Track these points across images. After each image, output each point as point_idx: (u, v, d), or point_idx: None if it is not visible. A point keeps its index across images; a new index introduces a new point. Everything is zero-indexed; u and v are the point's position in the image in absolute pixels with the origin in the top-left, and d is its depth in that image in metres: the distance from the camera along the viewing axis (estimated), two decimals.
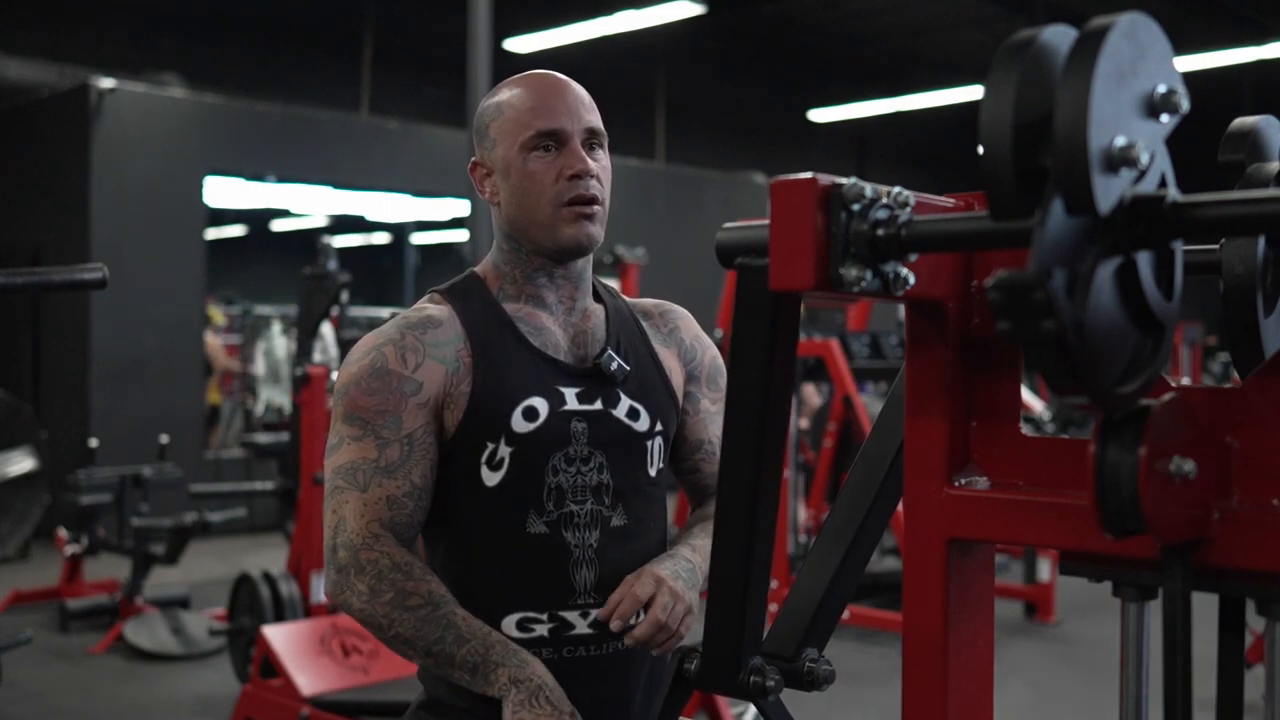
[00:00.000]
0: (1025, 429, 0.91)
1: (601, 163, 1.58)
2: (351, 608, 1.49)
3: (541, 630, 1.53)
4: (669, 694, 1.20)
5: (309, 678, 3.88)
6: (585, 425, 1.56)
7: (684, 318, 1.76)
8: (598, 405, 1.58)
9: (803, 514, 6.80)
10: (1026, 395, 7.39)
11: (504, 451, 1.53)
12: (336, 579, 1.49)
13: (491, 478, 1.53)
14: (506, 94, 1.59)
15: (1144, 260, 0.77)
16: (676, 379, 1.69)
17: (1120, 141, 0.71)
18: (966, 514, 0.89)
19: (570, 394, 1.56)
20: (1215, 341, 12.44)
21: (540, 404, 1.54)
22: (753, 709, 1.68)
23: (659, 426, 1.63)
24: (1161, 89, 0.75)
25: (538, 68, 1.66)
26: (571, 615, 1.54)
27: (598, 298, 1.68)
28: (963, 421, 0.92)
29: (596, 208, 1.56)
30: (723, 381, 1.74)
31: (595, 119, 1.59)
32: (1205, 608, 0.80)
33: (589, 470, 1.56)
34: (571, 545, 1.54)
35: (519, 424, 1.53)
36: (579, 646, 1.54)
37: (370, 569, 1.47)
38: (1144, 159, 0.72)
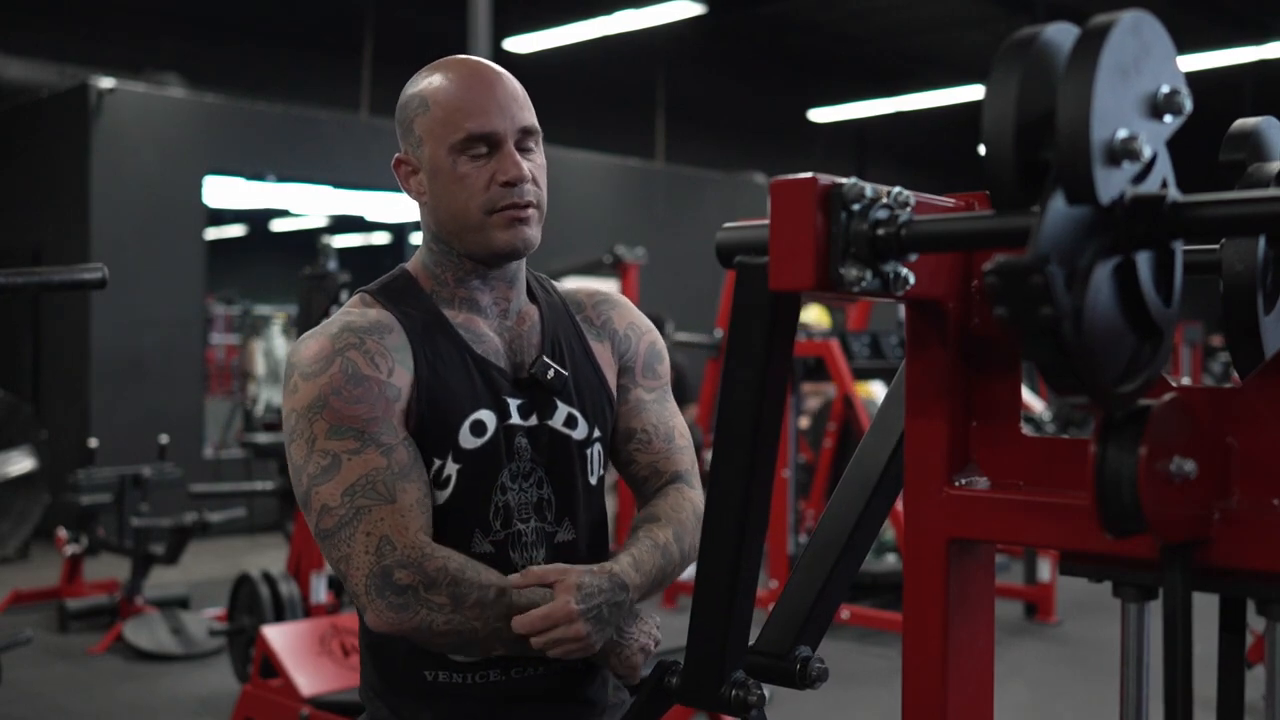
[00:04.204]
0: (1025, 429, 0.91)
1: (537, 161, 1.48)
2: (434, 627, 1.36)
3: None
4: (646, 707, 1.18)
5: (309, 678, 3.88)
6: (528, 441, 1.49)
7: (618, 306, 1.66)
8: (533, 420, 1.50)
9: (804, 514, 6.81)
10: (1026, 395, 7.39)
11: (451, 469, 1.43)
12: (400, 602, 1.35)
13: (439, 496, 1.44)
14: (431, 85, 1.47)
15: (1143, 261, 0.77)
16: (612, 375, 1.61)
17: (1122, 134, 0.71)
18: (966, 514, 0.89)
19: (513, 405, 1.48)
20: (1219, 342, 12.43)
21: (488, 418, 1.46)
22: None
23: (597, 432, 1.55)
24: (1165, 89, 0.75)
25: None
26: None
27: (531, 295, 1.59)
28: (963, 421, 0.92)
29: (531, 211, 1.47)
30: (661, 367, 1.65)
31: (529, 116, 1.48)
32: (1205, 608, 0.80)
33: (529, 486, 1.48)
34: (516, 565, 1.46)
35: (467, 440, 1.44)
36: (526, 666, 1.47)
37: (444, 578, 1.36)
38: (1146, 152, 0.72)
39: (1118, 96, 0.71)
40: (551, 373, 1.51)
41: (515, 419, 1.48)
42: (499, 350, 1.51)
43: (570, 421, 1.53)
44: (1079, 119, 0.69)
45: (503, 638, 1.40)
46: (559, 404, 1.52)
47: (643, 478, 1.62)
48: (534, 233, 1.49)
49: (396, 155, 1.53)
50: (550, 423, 1.51)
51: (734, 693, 1.06)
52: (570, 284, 1.67)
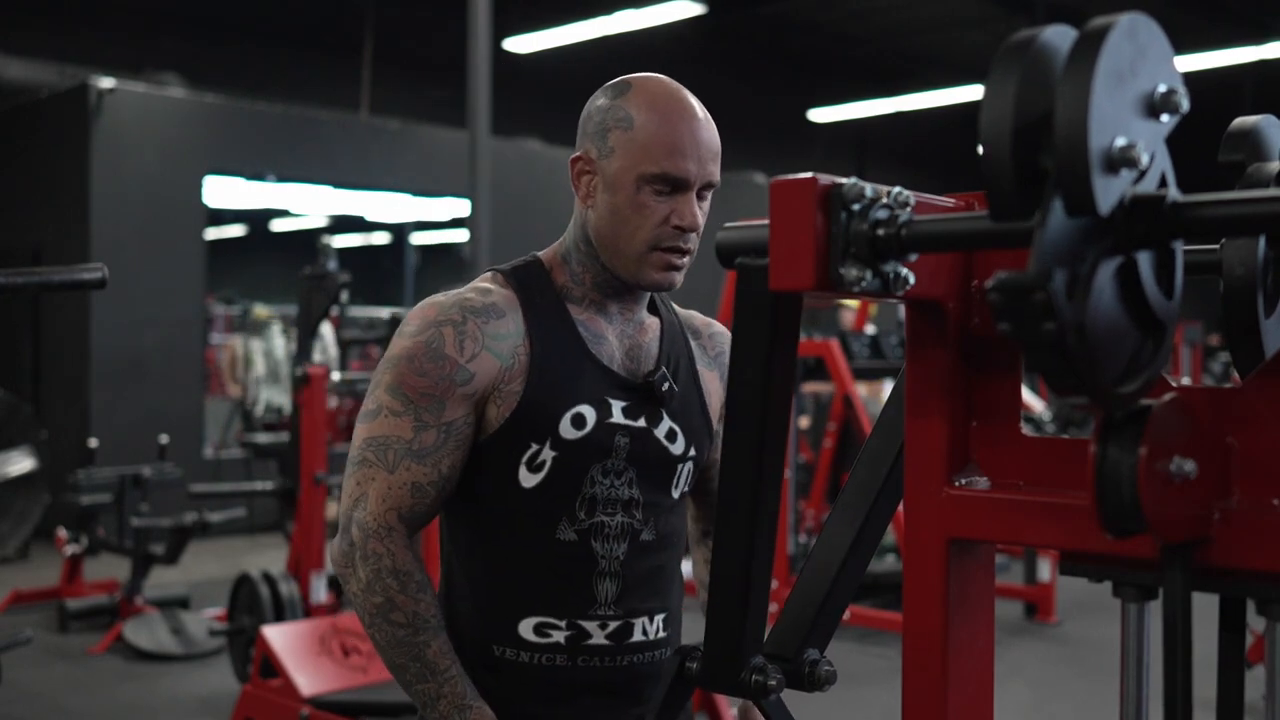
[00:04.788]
0: (1025, 429, 0.91)
1: (704, 210, 1.53)
2: (347, 588, 1.49)
3: (558, 637, 1.52)
4: (669, 693, 1.20)
5: (309, 678, 3.88)
6: (628, 440, 1.54)
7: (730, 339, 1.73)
8: (641, 422, 1.55)
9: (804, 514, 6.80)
10: (1026, 395, 7.39)
11: (547, 455, 1.50)
12: (345, 551, 1.48)
13: (529, 479, 1.51)
14: (642, 109, 1.50)
15: (1144, 260, 0.77)
16: (715, 403, 1.67)
17: (1120, 142, 0.71)
18: (966, 514, 0.89)
19: (617, 406, 1.54)
20: (1217, 342, 12.44)
21: (589, 412, 1.51)
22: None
23: (692, 452, 1.61)
24: (1162, 88, 0.75)
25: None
26: (590, 625, 1.53)
27: (653, 307, 1.65)
28: (963, 421, 0.92)
29: (686, 259, 1.53)
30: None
31: (716, 171, 1.53)
32: (1205, 608, 0.80)
33: (620, 484, 1.54)
34: (599, 555, 1.53)
35: (567, 430, 1.50)
36: (594, 657, 1.53)
37: (373, 561, 1.46)
38: (1144, 159, 0.72)
39: (1115, 102, 0.71)
40: (667, 385, 1.57)
41: (617, 418, 1.54)
42: (613, 353, 1.57)
43: (671, 435, 1.58)
44: (1077, 130, 0.69)
45: (396, 669, 1.48)
46: (665, 416, 1.58)
47: (711, 504, 1.73)
48: (680, 278, 1.55)
49: (577, 153, 1.55)
50: (655, 431, 1.57)
51: (754, 678, 1.07)
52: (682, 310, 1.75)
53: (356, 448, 1.50)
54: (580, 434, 1.51)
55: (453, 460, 1.49)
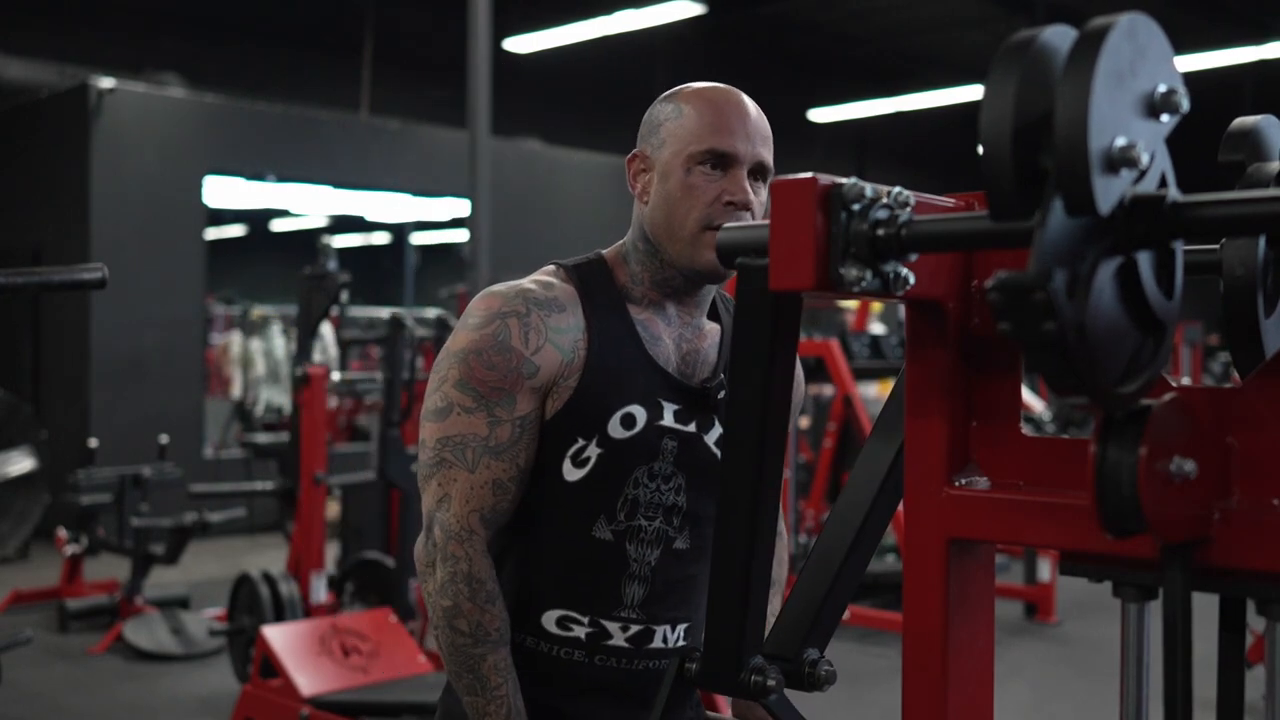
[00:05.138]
0: (1025, 429, 0.91)
1: (760, 197, 1.52)
2: (425, 587, 1.49)
3: (579, 632, 1.52)
4: (670, 694, 1.20)
5: (309, 678, 3.88)
6: (676, 444, 1.53)
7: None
8: (692, 427, 1.54)
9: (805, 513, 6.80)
10: (1026, 395, 7.39)
11: (593, 451, 1.50)
12: (428, 552, 1.48)
13: (573, 474, 1.50)
14: (690, 99, 1.53)
15: (1144, 260, 0.77)
16: None
17: (1120, 142, 0.71)
18: (966, 514, 0.89)
19: (669, 409, 1.53)
20: (1216, 341, 12.44)
21: (639, 413, 1.51)
22: None
23: None
24: (1162, 89, 0.75)
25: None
26: (612, 625, 1.53)
27: (714, 314, 1.64)
28: (963, 421, 0.92)
29: None
30: (799, 419, 1.73)
31: (768, 153, 1.53)
32: (1205, 608, 0.80)
33: (668, 489, 1.53)
34: (631, 558, 1.52)
35: (615, 429, 1.50)
36: (611, 657, 1.53)
37: (450, 564, 1.46)
38: (1144, 159, 0.72)
39: (1115, 102, 0.71)
40: (723, 393, 1.55)
41: (668, 421, 1.53)
42: (669, 356, 1.55)
43: (722, 443, 1.55)
44: (1076, 130, 0.69)
45: (450, 675, 1.50)
46: (717, 423, 1.56)
47: None
48: None
49: (633, 151, 1.57)
50: (705, 438, 1.55)
51: (753, 678, 1.07)
52: None
53: (431, 448, 1.49)
54: (629, 434, 1.50)
55: (529, 453, 1.49)
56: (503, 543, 1.54)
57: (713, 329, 1.62)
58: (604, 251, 1.60)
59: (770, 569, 1.08)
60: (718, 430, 1.56)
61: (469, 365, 1.47)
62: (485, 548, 1.48)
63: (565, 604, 1.52)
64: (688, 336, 1.58)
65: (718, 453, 1.55)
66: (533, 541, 1.53)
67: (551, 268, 1.58)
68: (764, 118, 1.55)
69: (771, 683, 1.08)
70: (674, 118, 1.53)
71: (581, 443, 1.49)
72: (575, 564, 1.52)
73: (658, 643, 1.55)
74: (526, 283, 1.53)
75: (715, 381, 1.56)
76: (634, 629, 1.53)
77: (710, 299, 1.62)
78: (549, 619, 1.52)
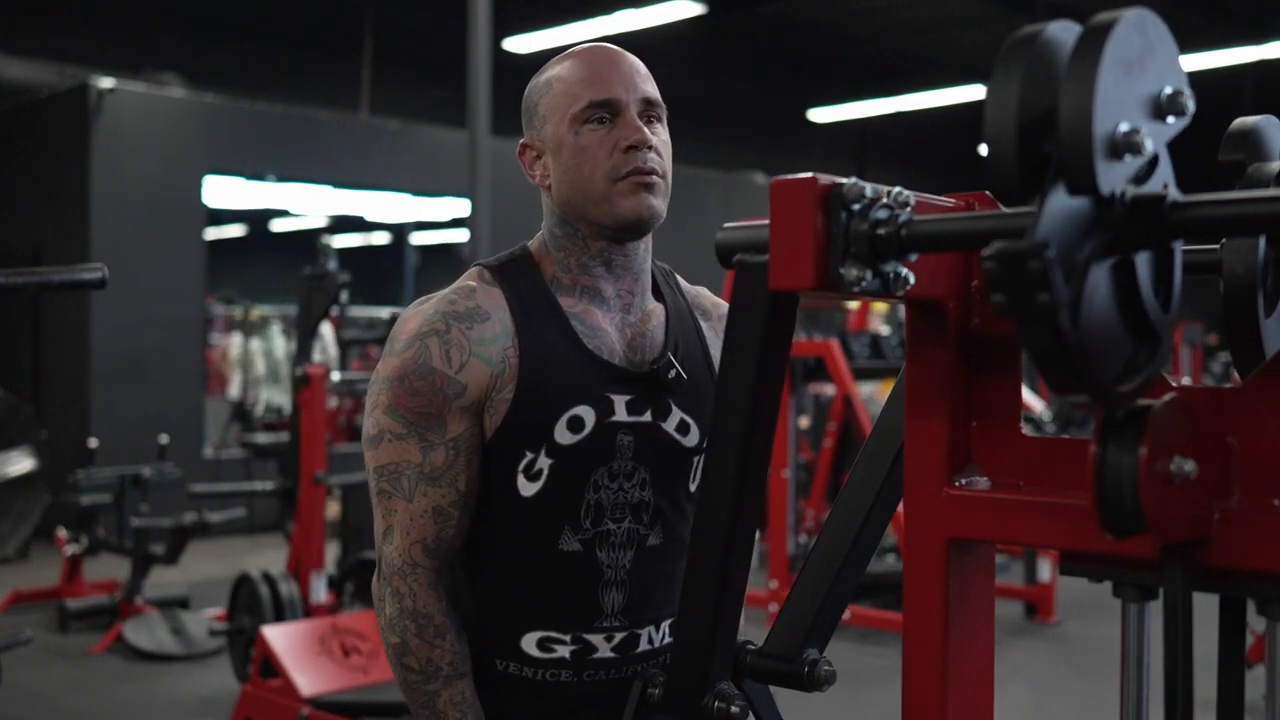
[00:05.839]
0: (1025, 429, 0.91)
1: (661, 136, 1.46)
2: (379, 622, 1.47)
3: (563, 652, 1.46)
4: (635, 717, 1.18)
5: (308, 678, 3.88)
6: (632, 438, 1.45)
7: None
8: (646, 417, 1.46)
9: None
10: (1026, 395, 7.39)
11: (543, 463, 1.42)
12: (379, 583, 1.46)
13: (527, 488, 1.43)
14: (556, 69, 1.49)
15: (1142, 263, 0.77)
16: None
17: (1124, 127, 0.71)
18: (966, 514, 0.89)
19: (620, 402, 1.45)
20: (1216, 341, 12.43)
21: (587, 414, 1.43)
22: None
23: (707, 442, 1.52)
24: (1168, 90, 0.75)
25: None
26: (595, 638, 1.46)
27: (658, 292, 1.56)
28: (963, 421, 0.91)
29: (656, 179, 1.44)
30: None
31: (652, 88, 1.47)
32: (1205, 608, 0.80)
33: (631, 486, 1.46)
34: (604, 565, 1.45)
35: (562, 435, 1.42)
36: (599, 670, 1.47)
37: (395, 601, 1.43)
38: (1148, 146, 0.71)
39: (1121, 90, 0.71)
40: (674, 372, 1.48)
41: (620, 415, 1.45)
42: (614, 346, 1.48)
43: (682, 427, 1.49)
44: (1081, 109, 0.69)
45: (407, 699, 1.47)
46: (674, 407, 1.49)
47: None
48: (660, 204, 1.46)
49: (521, 142, 1.52)
50: (663, 425, 1.48)
51: (716, 704, 1.04)
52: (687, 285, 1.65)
53: (372, 477, 1.45)
54: (577, 438, 1.42)
55: (469, 475, 1.43)
56: (469, 568, 1.48)
57: (656, 309, 1.54)
58: (528, 244, 1.53)
59: (744, 589, 1.04)
60: (676, 415, 1.48)
61: (395, 392, 1.41)
62: (432, 580, 1.43)
63: (543, 624, 1.45)
64: (631, 321, 1.50)
65: (679, 439, 1.49)
66: (498, 564, 1.46)
67: (475, 270, 1.50)
68: (636, 60, 1.49)
69: (735, 710, 1.04)
70: (546, 93, 1.48)
71: (530, 455, 1.42)
72: (546, 581, 1.45)
73: (644, 646, 1.49)
74: (448, 293, 1.46)
75: (662, 361, 1.47)
76: (618, 637, 1.47)
77: (648, 274, 1.54)
78: (528, 642, 1.45)
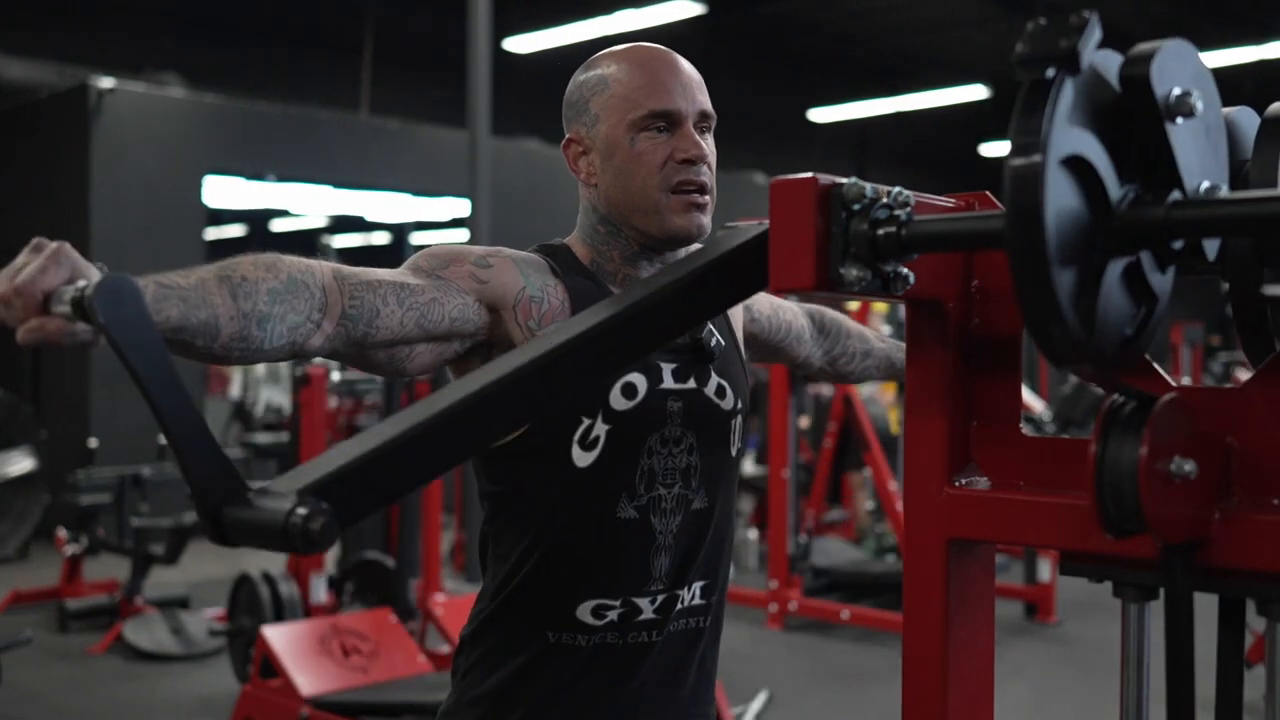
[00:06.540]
0: (1025, 429, 0.91)
1: (710, 147, 1.48)
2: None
3: (612, 615, 1.47)
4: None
5: (308, 678, 3.88)
6: (681, 404, 1.47)
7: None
8: (691, 384, 1.49)
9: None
10: (1026, 395, 7.39)
11: (600, 429, 1.43)
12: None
13: (583, 458, 1.43)
14: (612, 68, 1.48)
15: (1145, 256, 0.77)
16: (761, 328, 1.68)
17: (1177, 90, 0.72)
18: (966, 514, 0.89)
19: (667, 370, 1.47)
20: (1216, 341, 12.44)
21: (639, 380, 1.44)
22: (752, 710, 1.64)
23: (740, 404, 1.55)
24: (1176, 91, 0.75)
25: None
26: (642, 601, 1.47)
27: None
28: (963, 421, 0.91)
29: (707, 197, 1.47)
30: (775, 299, 1.72)
31: (707, 101, 1.48)
32: (1205, 608, 0.80)
33: (680, 451, 1.48)
34: (656, 531, 1.47)
35: (617, 401, 1.43)
36: (643, 631, 1.48)
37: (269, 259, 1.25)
38: (1199, 108, 0.74)
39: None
40: (715, 340, 1.51)
41: (668, 383, 1.47)
42: None
43: (720, 391, 1.53)
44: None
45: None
46: (713, 373, 1.52)
47: (853, 352, 1.82)
48: (708, 222, 1.48)
49: (567, 136, 1.52)
50: (705, 390, 1.51)
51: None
52: None
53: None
54: (632, 404, 1.44)
55: (419, 321, 1.31)
56: (523, 545, 1.47)
57: None
58: (564, 240, 1.55)
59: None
60: (715, 380, 1.52)
61: (416, 261, 1.40)
62: (308, 277, 1.23)
63: (598, 592, 1.46)
64: None
65: (718, 403, 1.52)
66: (556, 541, 1.46)
67: (536, 248, 1.53)
68: (694, 69, 1.50)
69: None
70: (600, 91, 1.47)
71: (586, 422, 1.42)
72: (604, 550, 1.46)
73: (680, 605, 1.51)
74: (511, 251, 1.48)
75: (705, 331, 1.51)
76: (660, 599, 1.48)
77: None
78: (584, 610, 1.46)
